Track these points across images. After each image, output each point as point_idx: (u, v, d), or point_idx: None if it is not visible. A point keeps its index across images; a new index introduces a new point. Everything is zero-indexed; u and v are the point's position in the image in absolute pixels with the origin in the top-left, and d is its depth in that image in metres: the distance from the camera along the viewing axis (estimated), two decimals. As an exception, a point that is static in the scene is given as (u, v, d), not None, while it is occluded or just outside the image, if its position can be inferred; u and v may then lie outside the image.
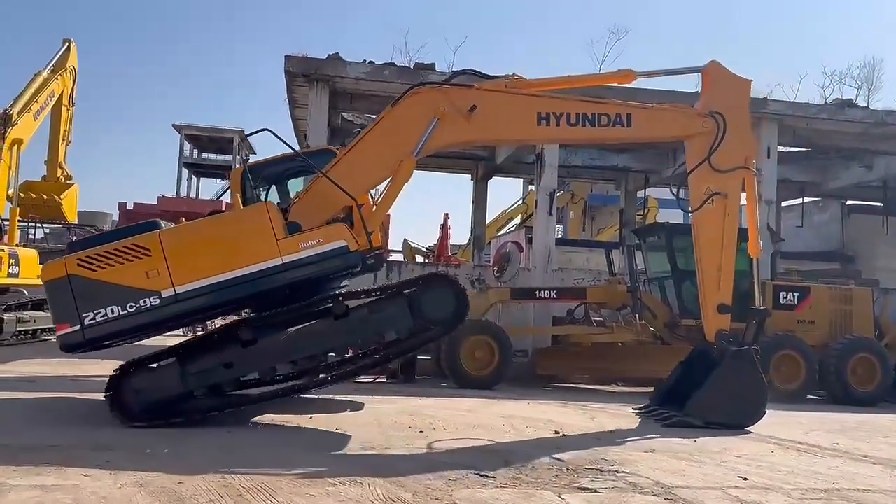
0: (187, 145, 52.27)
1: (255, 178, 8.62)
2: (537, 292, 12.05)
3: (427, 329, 7.48)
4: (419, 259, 26.32)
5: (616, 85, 9.64)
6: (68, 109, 19.29)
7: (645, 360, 11.91)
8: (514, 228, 35.72)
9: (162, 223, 7.38)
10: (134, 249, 6.80)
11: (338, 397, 9.10)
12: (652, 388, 12.25)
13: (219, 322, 9.31)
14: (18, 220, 16.89)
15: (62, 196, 18.46)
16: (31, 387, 9.22)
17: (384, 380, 11.67)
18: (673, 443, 7.17)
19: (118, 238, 7.00)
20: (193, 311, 6.93)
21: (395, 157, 7.50)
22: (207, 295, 6.80)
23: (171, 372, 6.98)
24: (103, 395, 6.81)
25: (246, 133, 9.95)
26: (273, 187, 9.07)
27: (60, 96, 18.61)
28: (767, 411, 8.39)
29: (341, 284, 8.63)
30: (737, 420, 8.13)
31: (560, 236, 27.58)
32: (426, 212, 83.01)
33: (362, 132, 7.80)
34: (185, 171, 52.31)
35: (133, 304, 6.69)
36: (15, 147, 16.46)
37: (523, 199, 40.77)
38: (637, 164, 18.18)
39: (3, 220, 16.08)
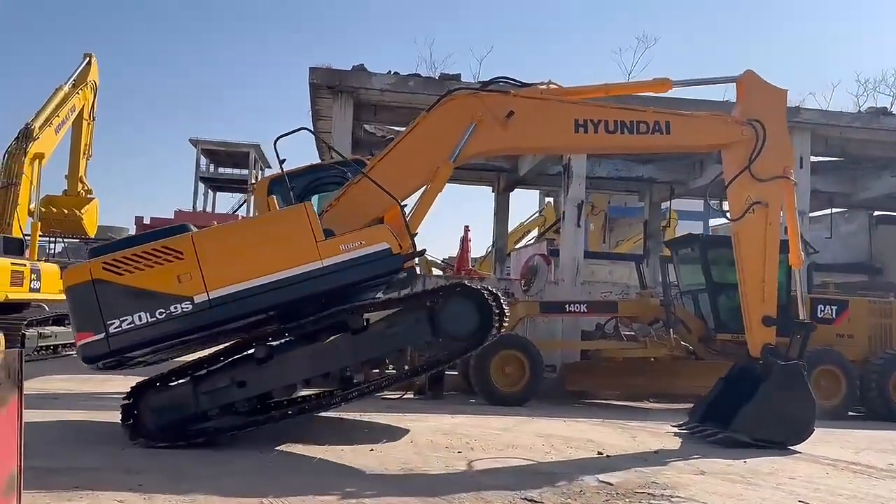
0: (203, 160, 52.48)
1: (279, 191, 8.44)
2: (567, 306, 11.75)
3: (451, 344, 7.14)
4: (436, 272, 26.02)
5: (651, 94, 9.42)
6: (89, 124, 19.27)
7: (678, 375, 11.56)
8: (532, 241, 35.44)
9: (192, 227, 7.02)
10: (165, 252, 6.41)
11: (367, 416, 8.85)
12: (686, 405, 11.95)
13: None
14: (39, 235, 16.84)
15: (83, 210, 18.38)
16: (55, 404, 9.03)
17: (411, 396, 11.40)
18: (722, 464, 6.86)
19: (145, 242, 6.61)
20: (227, 319, 6.50)
21: (431, 163, 7.31)
22: (243, 301, 6.40)
23: (184, 391, 6.73)
24: (120, 421, 6.59)
25: (279, 135, 9.31)
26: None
27: (81, 110, 18.59)
28: (811, 429, 8.05)
29: (376, 295, 8.41)
30: (784, 438, 7.82)
31: (579, 249, 27.24)
32: (441, 224, 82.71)
33: (396, 139, 7.58)
34: (201, 186, 52.47)
35: (163, 311, 6.31)
36: (36, 162, 16.41)
37: (540, 212, 40.53)
38: (663, 175, 17.86)
39: (25, 235, 16.01)
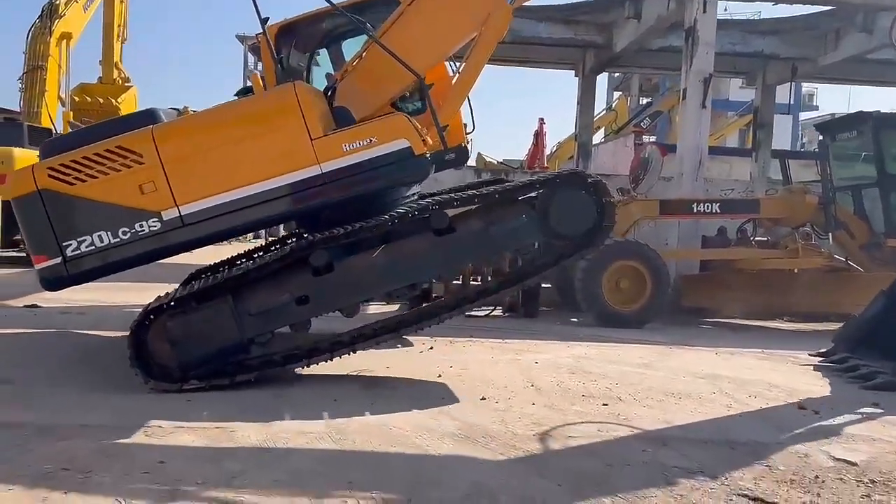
0: (251, 57, 50.33)
1: (298, 38, 6.60)
2: (695, 206, 9.51)
3: (559, 246, 5.47)
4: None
5: None
6: (122, 1, 17.35)
7: (831, 292, 9.33)
8: (603, 140, 32.61)
9: (162, 114, 5.32)
10: (121, 154, 4.89)
11: (458, 342, 7.02)
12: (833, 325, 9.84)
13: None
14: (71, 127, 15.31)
15: (119, 100, 16.85)
16: (79, 322, 7.47)
17: (500, 313, 9.55)
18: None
19: (103, 136, 5.04)
20: (207, 238, 5.10)
21: (482, 7, 5.33)
22: (222, 217, 4.95)
23: (222, 314, 4.96)
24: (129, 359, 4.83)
25: None
26: (325, 51, 6.90)
27: (113, -13, 16.68)
28: None
29: (408, 192, 6.48)
30: None
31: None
32: (490, 117, 78.42)
33: None
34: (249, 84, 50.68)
35: (127, 230, 4.92)
36: (63, 42, 14.73)
37: (610, 108, 37.28)
38: (786, 51, 14.92)
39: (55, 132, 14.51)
